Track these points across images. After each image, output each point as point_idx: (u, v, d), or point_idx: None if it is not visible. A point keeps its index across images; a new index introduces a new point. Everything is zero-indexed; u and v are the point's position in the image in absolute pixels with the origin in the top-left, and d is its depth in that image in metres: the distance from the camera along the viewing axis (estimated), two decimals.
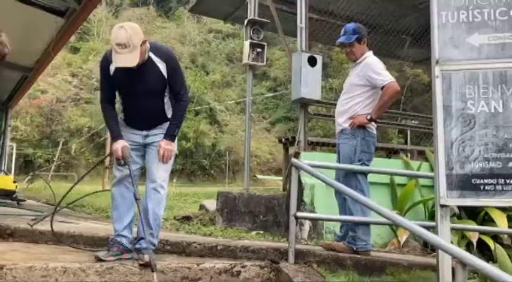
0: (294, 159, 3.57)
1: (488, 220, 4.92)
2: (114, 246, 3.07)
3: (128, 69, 2.99)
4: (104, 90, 3.25)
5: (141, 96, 3.12)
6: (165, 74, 3.10)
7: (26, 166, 26.19)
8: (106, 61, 3.10)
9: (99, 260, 2.93)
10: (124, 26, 2.94)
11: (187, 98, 3.29)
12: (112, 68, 3.08)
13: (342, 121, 3.88)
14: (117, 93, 3.27)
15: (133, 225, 3.25)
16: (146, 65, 3.07)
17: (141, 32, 2.97)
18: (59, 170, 26.98)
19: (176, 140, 3.27)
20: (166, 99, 3.19)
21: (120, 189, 3.18)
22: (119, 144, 3.09)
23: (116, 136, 3.15)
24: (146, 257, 2.97)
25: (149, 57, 3.08)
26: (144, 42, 2.98)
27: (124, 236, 3.13)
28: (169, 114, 3.22)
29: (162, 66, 3.10)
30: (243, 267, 3.25)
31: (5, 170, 9.31)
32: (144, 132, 3.20)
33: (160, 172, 3.16)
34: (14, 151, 20.59)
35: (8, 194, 6.46)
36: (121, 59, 2.90)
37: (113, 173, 3.32)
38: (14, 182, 6.92)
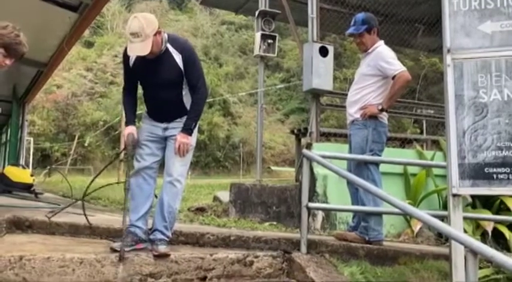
0: (305, 150, 3.58)
1: (503, 209, 4.88)
2: (128, 237, 3.11)
3: (145, 60, 3.07)
4: (125, 81, 3.33)
5: (159, 87, 3.17)
6: (181, 66, 3.14)
7: (44, 160, 26.60)
8: (126, 53, 3.18)
9: (114, 250, 2.98)
10: (137, 16, 3.03)
11: (206, 91, 3.29)
12: (132, 59, 3.17)
13: (353, 111, 3.87)
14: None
15: (148, 217, 3.29)
16: (163, 56, 3.12)
17: (155, 22, 3.03)
18: (76, 164, 27.36)
19: (195, 134, 3.28)
20: (185, 92, 3.21)
21: (137, 180, 3.22)
22: (127, 131, 3.21)
23: (126, 121, 3.28)
24: (160, 248, 3.04)
25: (166, 49, 3.13)
26: (159, 32, 3.04)
27: (138, 227, 3.17)
28: (189, 107, 3.24)
29: (178, 58, 3.13)
30: (256, 257, 3.28)
31: (23, 164, 9.48)
32: (164, 125, 3.23)
33: (177, 166, 3.18)
34: (32, 145, 20.96)
35: (26, 187, 6.60)
36: (134, 47, 3.00)
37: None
38: (32, 175, 7.05)
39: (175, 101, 3.21)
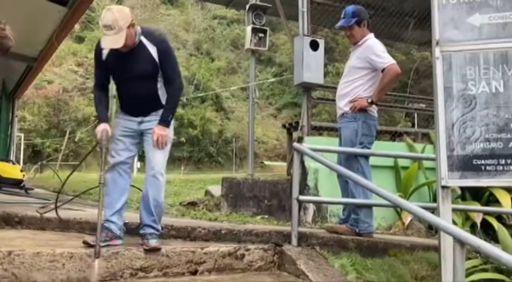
0: (295, 144, 3.59)
1: (492, 201, 4.92)
2: (102, 232, 3.07)
3: (119, 53, 3.07)
4: (97, 75, 3.32)
5: (133, 80, 3.15)
6: (156, 58, 3.13)
7: (35, 156, 26.40)
8: (99, 47, 3.17)
9: (87, 245, 2.94)
10: (111, 9, 3.04)
11: (181, 83, 3.28)
12: (105, 53, 3.15)
13: (342, 105, 3.88)
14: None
15: (123, 213, 3.27)
16: (137, 49, 3.11)
17: (128, 14, 3.04)
18: (67, 160, 27.19)
19: (172, 126, 3.27)
20: (160, 84, 3.20)
21: (112, 175, 3.21)
22: (100, 127, 3.17)
23: (100, 119, 3.24)
24: (151, 243, 3.04)
25: (140, 41, 3.12)
26: (132, 25, 3.03)
27: (112, 222, 3.15)
28: (164, 100, 3.23)
29: (153, 50, 3.13)
30: (247, 250, 3.29)
31: (13, 159, 9.40)
32: (139, 118, 3.22)
33: (158, 159, 3.18)
34: (22, 141, 20.79)
35: (16, 183, 6.56)
36: (107, 40, 3.01)
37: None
38: (21, 171, 7.00)
39: (150, 94, 3.19)
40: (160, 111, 3.20)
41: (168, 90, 3.21)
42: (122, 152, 3.22)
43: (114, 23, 2.95)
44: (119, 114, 3.32)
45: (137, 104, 3.22)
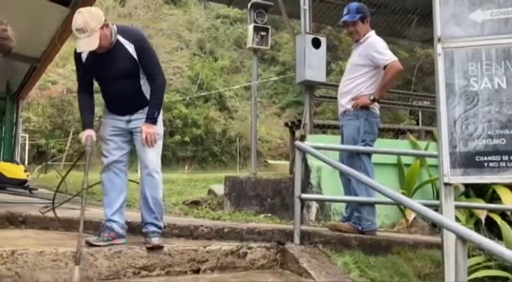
0: (297, 142, 3.59)
1: (496, 198, 4.89)
2: (105, 232, 3.09)
3: (97, 55, 3.05)
4: (80, 80, 3.29)
5: (116, 80, 3.13)
6: (135, 56, 3.11)
7: (40, 156, 26.52)
8: (77, 51, 3.13)
9: (90, 245, 2.96)
10: (82, 11, 3.00)
11: (163, 78, 3.24)
12: (84, 56, 3.13)
13: (344, 102, 3.87)
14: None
15: (124, 211, 3.28)
16: (115, 48, 3.09)
17: (99, 15, 3.01)
18: (72, 160, 27.29)
19: (161, 122, 3.25)
20: (143, 81, 3.18)
21: (108, 175, 3.22)
22: (85, 133, 3.16)
23: (84, 125, 3.23)
24: (153, 241, 3.04)
25: (117, 40, 3.10)
26: (106, 25, 3.01)
27: (114, 221, 3.16)
28: (149, 96, 3.20)
29: (130, 48, 3.10)
30: (249, 248, 3.29)
31: (17, 160, 9.45)
32: (127, 117, 3.21)
33: (150, 157, 3.16)
34: (27, 142, 20.88)
35: (20, 183, 6.59)
36: (81, 43, 2.98)
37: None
38: (25, 171, 7.04)
39: (135, 92, 3.17)
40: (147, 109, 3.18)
41: (151, 87, 3.18)
42: (114, 151, 3.21)
43: (86, 25, 2.92)
44: (106, 115, 3.30)
45: (122, 102, 3.20)
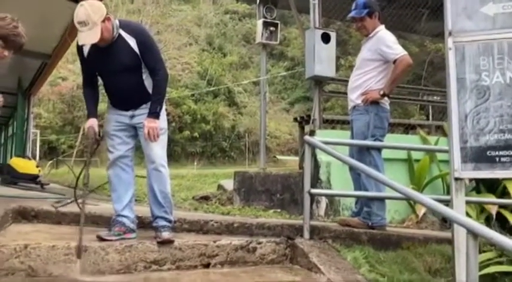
0: (306, 137, 3.58)
1: (507, 193, 4.85)
2: (115, 226, 3.10)
3: (99, 49, 3.05)
4: (83, 72, 3.30)
5: (117, 74, 3.13)
6: (137, 50, 3.09)
7: (51, 152, 26.80)
8: (79, 44, 3.12)
9: (101, 239, 2.98)
10: (84, 4, 2.97)
11: (165, 72, 3.23)
12: (85, 49, 3.13)
13: (354, 97, 3.86)
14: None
15: (133, 205, 3.29)
16: (117, 42, 3.08)
17: (101, 8, 2.99)
18: (82, 155, 27.53)
19: (164, 116, 3.25)
20: (145, 76, 3.17)
21: (115, 171, 3.22)
22: (88, 123, 3.19)
23: (88, 113, 3.25)
24: (164, 235, 3.06)
25: (119, 35, 3.09)
26: (108, 19, 2.99)
27: (125, 216, 3.17)
28: (151, 91, 3.19)
29: (132, 42, 3.09)
30: (259, 243, 3.29)
31: (29, 155, 9.55)
32: (130, 113, 3.20)
33: (155, 151, 3.16)
34: (38, 137, 21.07)
35: (32, 178, 6.66)
36: (82, 36, 2.96)
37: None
38: (37, 166, 7.11)
39: (137, 86, 3.16)
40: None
41: (153, 82, 3.17)
42: (119, 146, 3.22)
43: (88, 18, 2.90)
44: (109, 110, 3.30)
45: (125, 97, 3.20)
